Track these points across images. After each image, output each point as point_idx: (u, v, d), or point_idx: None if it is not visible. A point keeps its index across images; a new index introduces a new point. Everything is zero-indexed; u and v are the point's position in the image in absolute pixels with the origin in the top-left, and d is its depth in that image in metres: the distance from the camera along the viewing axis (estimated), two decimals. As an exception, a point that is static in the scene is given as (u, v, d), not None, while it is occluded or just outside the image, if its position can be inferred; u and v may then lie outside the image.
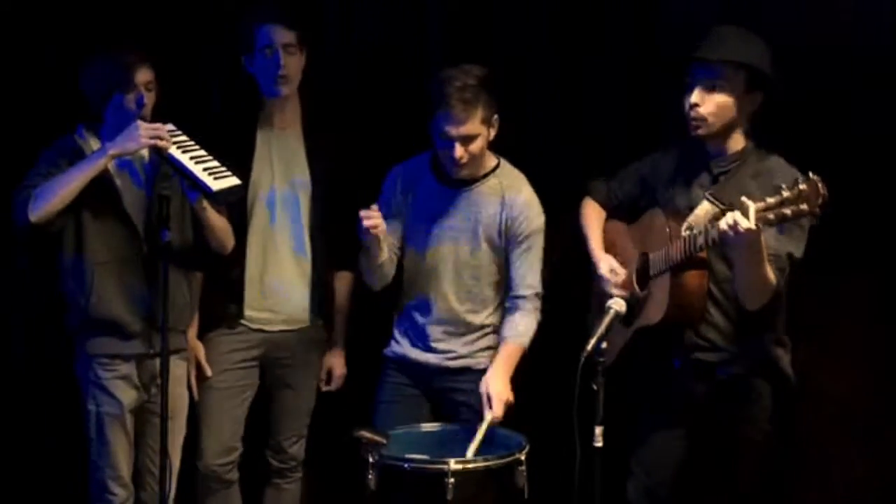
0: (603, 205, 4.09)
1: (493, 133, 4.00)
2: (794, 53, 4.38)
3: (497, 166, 4.11)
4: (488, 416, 3.89)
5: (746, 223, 3.35)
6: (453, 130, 3.90)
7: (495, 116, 3.98)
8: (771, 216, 3.34)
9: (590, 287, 4.08)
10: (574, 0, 4.64)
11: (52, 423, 4.67)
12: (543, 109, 4.71)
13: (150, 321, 3.99)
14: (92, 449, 4.03)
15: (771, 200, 3.33)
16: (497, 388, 3.93)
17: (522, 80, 4.68)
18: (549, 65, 4.69)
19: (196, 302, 4.19)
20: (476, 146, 3.95)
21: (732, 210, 3.42)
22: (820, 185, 3.28)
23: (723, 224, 3.41)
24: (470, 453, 3.78)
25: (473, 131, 3.92)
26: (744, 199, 3.38)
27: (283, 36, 4.15)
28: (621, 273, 3.92)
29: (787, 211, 3.31)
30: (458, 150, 3.93)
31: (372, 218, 3.88)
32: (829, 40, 4.42)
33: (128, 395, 4.01)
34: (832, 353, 4.41)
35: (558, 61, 4.68)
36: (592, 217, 4.08)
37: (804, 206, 3.29)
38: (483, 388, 3.94)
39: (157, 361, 3.99)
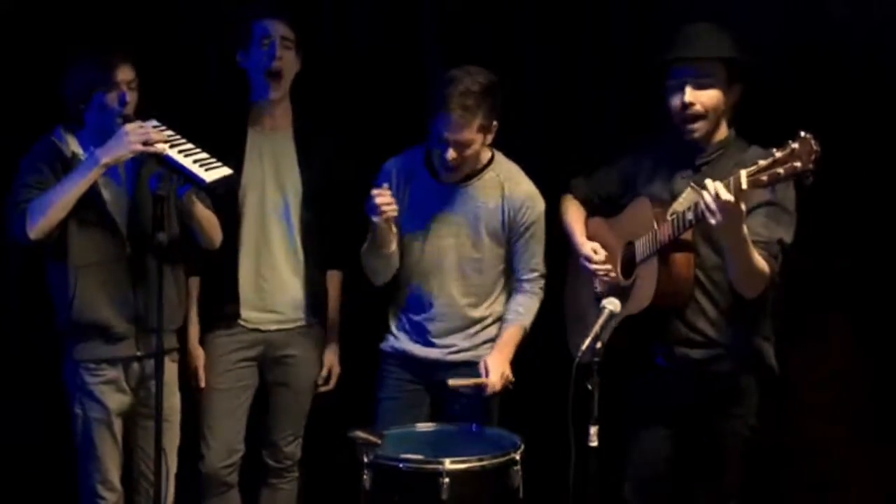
0: (584, 202, 4.09)
1: (489, 139, 4.00)
2: (785, 51, 4.43)
3: (492, 159, 4.10)
4: (482, 380, 3.94)
5: (724, 193, 3.34)
6: (449, 135, 3.90)
7: (495, 123, 3.97)
8: (764, 177, 3.32)
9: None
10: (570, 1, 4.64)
11: (43, 427, 4.66)
12: (539, 107, 4.69)
13: (136, 323, 3.97)
14: (80, 453, 4.01)
15: (763, 162, 3.32)
16: (494, 363, 3.98)
17: (517, 78, 4.67)
18: (545, 62, 4.68)
19: (184, 301, 4.17)
20: (470, 151, 3.95)
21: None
22: (813, 141, 3.27)
23: (706, 195, 3.39)
24: (450, 381, 3.93)
25: (469, 138, 3.91)
26: (741, 171, 3.36)
27: (282, 30, 4.17)
28: (602, 253, 3.92)
29: (780, 170, 3.29)
30: (451, 153, 3.93)
31: (384, 195, 3.88)
32: (822, 38, 4.44)
33: (115, 400, 3.99)
34: (821, 350, 4.43)
35: (554, 58, 4.67)
36: (574, 213, 4.09)
37: (797, 164, 3.27)
38: (482, 364, 3.99)
39: (146, 364, 3.99)
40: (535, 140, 4.68)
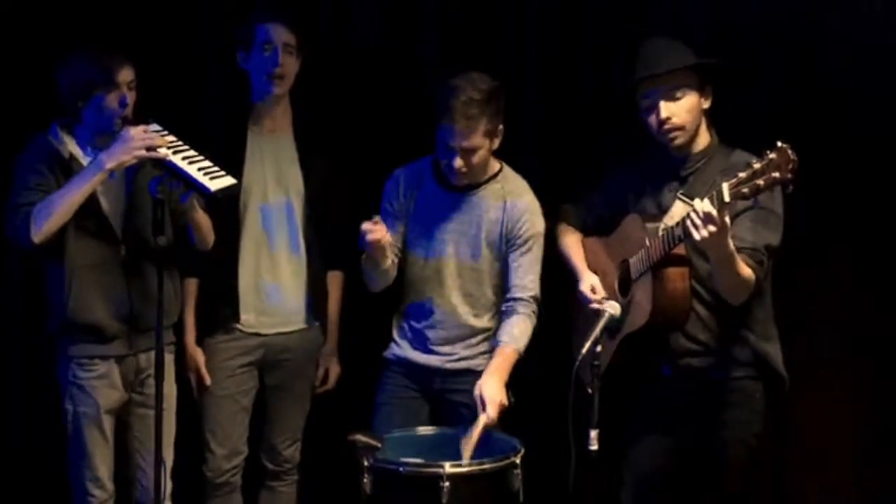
0: (578, 228, 4.09)
1: (496, 143, 4.00)
2: (784, 50, 4.43)
3: (499, 171, 4.10)
4: (482, 419, 3.88)
5: (708, 206, 3.36)
6: (455, 143, 3.90)
7: (500, 127, 3.97)
8: (745, 190, 3.33)
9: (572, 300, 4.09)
10: (569, 2, 4.63)
11: (39, 425, 4.67)
12: (538, 110, 4.69)
13: (130, 323, 3.97)
14: (70, 450, 4.01)
15: (742, 175, 3.33)
16: (490, 391, 3.90)
17: (518, 81, 4.66)
18: (544, 65, 4.68)
19: (179, 297, 4.16)
20: (477, 158, 3.95)
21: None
22: (790, 151, 3.29)
23: (691, 212, 3.41)
24: (466, 457, 3.79)
25: (476, 145, 3.91)
26: (723, 183, 3.37)
27: (284, 35, 4.17)
28: (600, 293, 3.89)
29: (761, 182, 3.31)
30: (458, 162, 3.93)
31: (375, 231, 3.87)
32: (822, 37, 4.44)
33: (105, 396, 3.98)
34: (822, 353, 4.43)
35: (553, 61, 4.67)
36: (570, 238, 4.08)
37: (776, 174, 3.29)
38: (477, 392, 3.92)
39: (140, 357, 3.99)
40: (534, 144, 4.66)
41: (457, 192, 4.07)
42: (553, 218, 4.12)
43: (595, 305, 3.83)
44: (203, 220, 4.02)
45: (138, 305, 3.95)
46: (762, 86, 4.40)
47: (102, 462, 4.01)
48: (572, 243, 4.06)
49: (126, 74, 3.89)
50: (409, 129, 4.32)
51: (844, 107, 4.38)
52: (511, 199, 4.06)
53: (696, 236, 3.42)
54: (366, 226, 3.86)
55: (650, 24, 4.53)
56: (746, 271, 3.56)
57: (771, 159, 3.30)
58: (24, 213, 3.80)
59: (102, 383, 3.98)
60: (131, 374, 4.03)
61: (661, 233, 3.66)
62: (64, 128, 3.95)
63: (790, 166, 3.29)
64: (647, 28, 4.51)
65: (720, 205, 3.36)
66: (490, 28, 4.69)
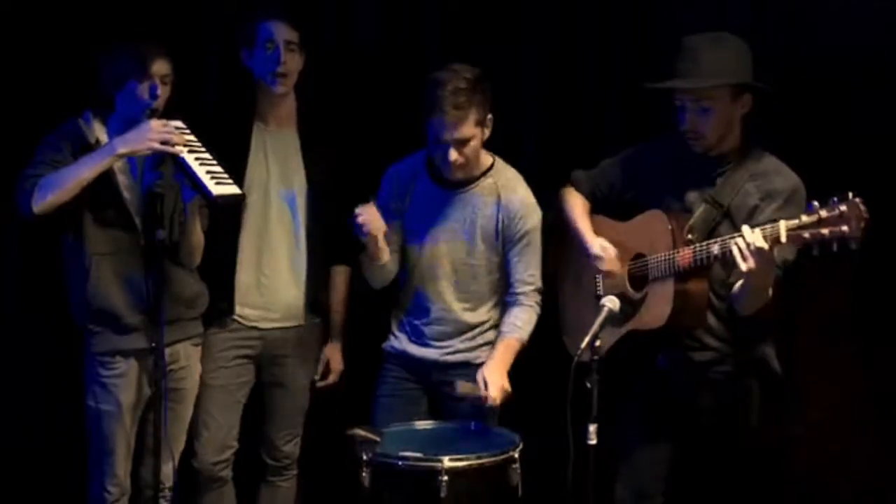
0: (587, 196, 4.06)
1: (487, 132, 4.01)
2: (789, 52, 4.43)
3: (492, 166, 4.11)
4: (483, 394, 3.92)
5: (761, 242, 3.33)
6: (447, 135, 3.91)
7: (489, 116, 3.98)
8: (806, 235, 3.27)
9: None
10: (569, 1, 4.64)
11: (59, 420, 4.68)
12: (538, 107, 4.70)
13: (150, 314, 3.96)
14: (90, 447, 4.03)
15: (806, 219, 3.27)
16: (493, 376, 3.95)
17: (518, 79, 4.67)
18: (544, 63, 4.69)
19: (205, 287, 4.17)
20: (471, 148, 3.96)
21: (730, 212, 3.42)
22: (861, 207, 3.20)
23: (740, 241, 3.39)
24: (459, 388, 3.91)
25: (467, 134, 3.92)
26: (781, 222, 3.33)
27: (286, 33, 4.18)
28: (611, 251, 3.88)
29: (826, 231, 3.23)
30: (453, 154, 3.94)
31: (365, 214, 3.89)
32: (825, 39, 4.44)
33: (127, 395, 3.99)
34: (823, 357, 4.43)
35: (553, 59, 4.68)
36: (578, 206, 4.05)
37: (845, 228, 3.21)
38: (479, 376, 3.97)
39: (167, 352, 3.98)
40: (534, 142, 4.67)
41: (451, 188, 4.08)
42: (560, 188, 4.11)
43: (608, 268, 3.83)
44: (197, 236, 4.03)
45: (156, 297, 3.93)
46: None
47: (120, 460, 4.02)
48: (579, 208, 4.03)
49: (161, 67, 3.91)
50: (412, 125, 4.31)
51: (846, 106, 4.39)
52: (505, 194, 4.06)
53: (743, 267, 3.39)
54: (358, 209, 3.89)
55: (650, 23, 4.55)
56: (770, 290, 3.54)
57: (842, 212, 3.22)
58: (32, 183, 3.81)
59: (123, 382, 3.99)
60: (155, 370, 4.01)
61: (688, 237, 3.63)
62: (97, 116, 3.98)
63: (861, 224, 3.21)
64: (647, 28, 4.55)
65: (773, 242, 3.33)
66: (490, 26, 4.69)
